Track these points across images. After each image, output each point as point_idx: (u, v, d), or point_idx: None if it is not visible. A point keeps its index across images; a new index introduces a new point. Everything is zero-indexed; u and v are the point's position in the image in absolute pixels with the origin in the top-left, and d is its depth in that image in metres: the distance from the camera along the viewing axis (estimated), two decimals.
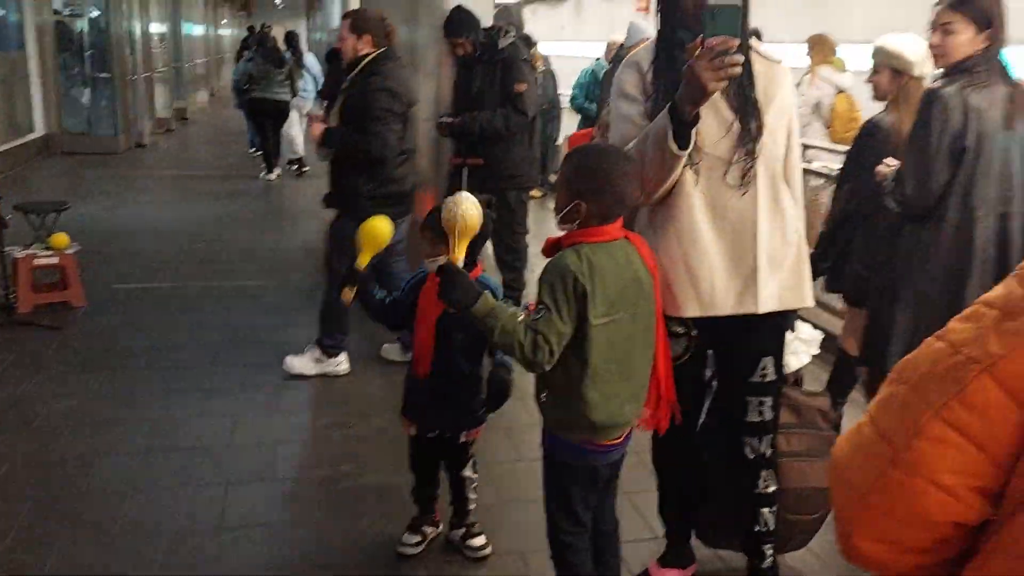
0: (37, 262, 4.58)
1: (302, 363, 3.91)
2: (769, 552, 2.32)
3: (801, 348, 2.45)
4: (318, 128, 3.73)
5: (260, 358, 4.08)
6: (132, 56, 10.68)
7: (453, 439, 2.52)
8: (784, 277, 2.11)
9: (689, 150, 1.90)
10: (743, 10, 1.74)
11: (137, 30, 11.25)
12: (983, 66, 2.42)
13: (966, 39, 2.42)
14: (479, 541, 2.62)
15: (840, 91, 5.67)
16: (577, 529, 2.07)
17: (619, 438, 2.01)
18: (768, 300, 2.09)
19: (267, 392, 3.72)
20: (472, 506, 2.65)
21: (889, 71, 2.97)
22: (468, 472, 2.62)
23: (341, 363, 3.97)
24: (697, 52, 1.75)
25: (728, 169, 2.01)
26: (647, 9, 19.87)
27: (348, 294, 2.34)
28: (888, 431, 0.77)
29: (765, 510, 2.28)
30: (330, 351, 3.93)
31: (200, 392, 3.68)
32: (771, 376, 2.20)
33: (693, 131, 1.87)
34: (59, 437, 3.22)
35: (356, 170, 3.69)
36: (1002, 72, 2.48)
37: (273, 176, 9.01)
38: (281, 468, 3.08)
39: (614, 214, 1.89)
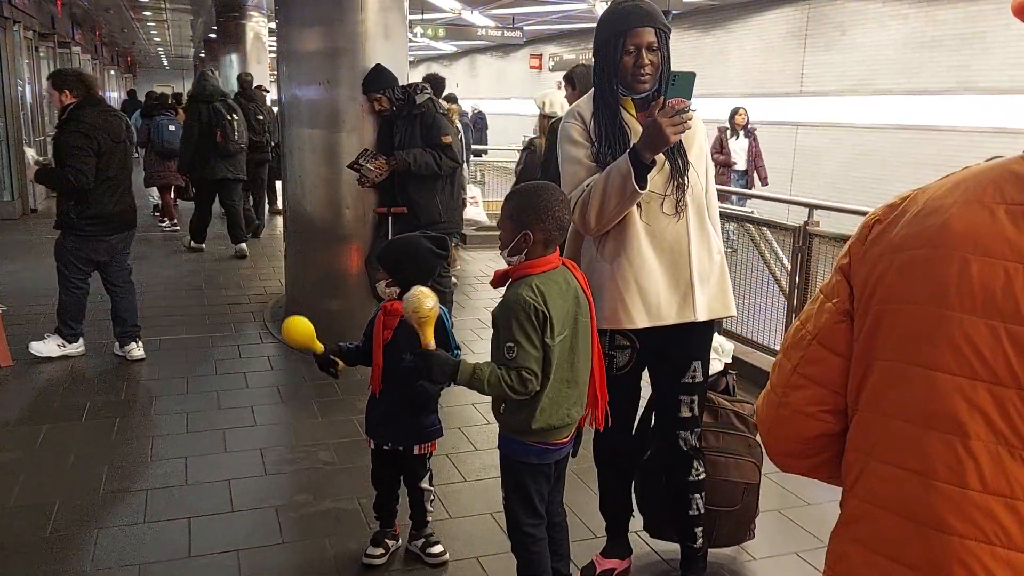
0: None
1: (47, 347, 4.81)
2: (700, 534, 2.66)
3: (713, 356, 2.84)
4: (31, 171, 5.00)
5: (198, 404, 4.21)
6: (25, 121, 10.47)
7: (407, 452, 2.77)
8: (711, 290, 2.49)
9: (647, 190, 2.26)
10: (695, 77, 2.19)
11: (28, 95, 11.06)
12: None
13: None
14: (438, 549, 2.86)
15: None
16: (536, 520, 2.35)
17: (567, 437, 2.32)
18: (701, 310, 2.46)
19: (212, 434, 3.84)
20: (430, 518, 2.90)
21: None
22: (425, 484, 2.87)
23: (79, 347, 4.90)
24: (659, 109, 2.16)
25: (663, 200, 2.40)
26: (540, 67, 20.86)
27: (341, 366, 2.61)
28: (776, 385, 1.15)
29: (696, 496, 2.62)
30: (69, 338, 4.84)
31: (147, 438, 3.78)
32: (699, 378, 2.57)
33: (649, 174, 2.26)
34: (13, 485, 3.28)
35: (67, 198, 4.60)
36: None
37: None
38: (238, 501, 3.23)
39: (555, 240, 2.23)
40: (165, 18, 18.20)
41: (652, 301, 2.41)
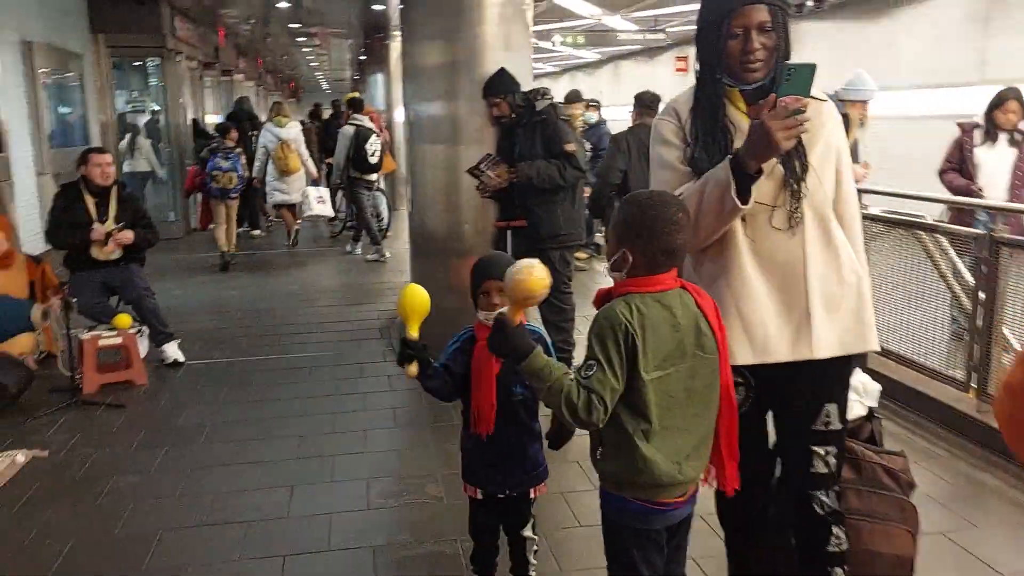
0: (101, 343, 4.72)
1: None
2: None
3: (853, 398, 2.34)
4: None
5: (312, 430, 4.11)
6: (190, 145, 11.13)
7: (520, 497, 2.47)
8: (843, 319, 2.04)
9: (751, 204, 1.89)
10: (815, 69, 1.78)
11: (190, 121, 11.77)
12: None
13: None
14: None
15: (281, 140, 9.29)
16: None
17: (681, 497, 1.94)
18: (825, 345, 2.02)
19: (322, 462, 3.72)
20: (533, 572, 2.58)
21: None
22: (529, 532, 2.56)
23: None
24: (769, 110, 1.78)
25: (773, 212, 1.99)
26: (686, 69, 20.16)
27: (412, 369, 2.23)
28: None
29: (837, 570, 2.15)
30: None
31: (257, 465, 3.71)
32: (835, 424, 2.11)
33: (754, 185, 1.87)
34: (123, 512, 3.26)
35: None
36: None
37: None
38: (337, 538, 3.05)
39: (661, 264, 1.86)
40: (319, 42, 19.02)
41: (757, 333, 2.00)
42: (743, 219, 1.99)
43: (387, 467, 3.72)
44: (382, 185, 9.77)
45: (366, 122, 8.88)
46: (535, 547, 2.59)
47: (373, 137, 8.76)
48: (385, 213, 9.79)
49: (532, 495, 2.48)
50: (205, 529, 3.13)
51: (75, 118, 9.30)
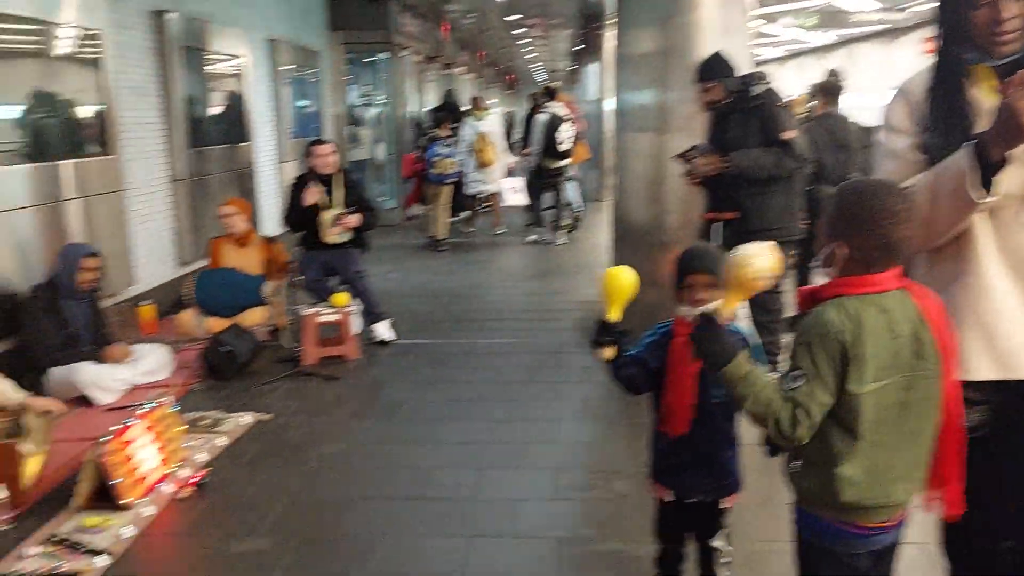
0: (321, 319, 5.08)
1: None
2: None
3: None
4: None
5: (505, 415, 4.16)
6: (409, 136, 11.73)
7: (711, 505, 2.32)
8: None
9: (994, 198, 1.65)
10: None
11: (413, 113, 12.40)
12: None
13: None
14: None
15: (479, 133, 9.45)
16: None
17: (888, 521, 1.72)
18: None
19: (512, 447, 3.75)
20: None
21: None
22: (720, 543, 2.39)
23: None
24: (1019, 88, 1.54)
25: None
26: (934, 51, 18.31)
27: (607, 353, 2.14)
28: None
29: None
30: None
31: (451, 443, 3.81)
32: None
33: (998, 175, 1.63)
34: (326, 479, 3.48)
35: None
36: None
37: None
38: (522, 525, 3.06)
39: (879, 261, 1.64)
40: (538, 34, 19.38)
41: (1001, 344, 1.74)
42: (988, 213, 1.73)
43: (575, 459, 3.67)
44: (573, 173, 9.77)
45: (559, 109, 8.96)
46: (726, 559, 2.42)
47: (565, 124, 8.86)
48: (576, 202, 9.78)
49: (727, 504, 2.33)
50: (397, 502, 3.25)
51: (311, 110, 10.11)
